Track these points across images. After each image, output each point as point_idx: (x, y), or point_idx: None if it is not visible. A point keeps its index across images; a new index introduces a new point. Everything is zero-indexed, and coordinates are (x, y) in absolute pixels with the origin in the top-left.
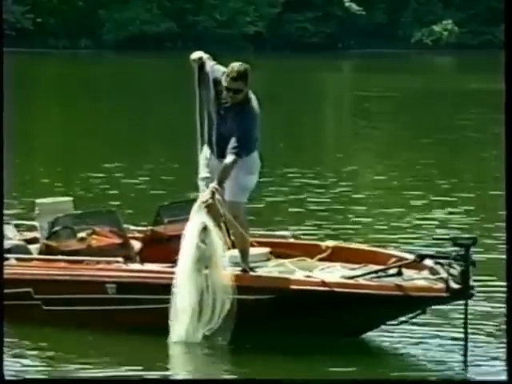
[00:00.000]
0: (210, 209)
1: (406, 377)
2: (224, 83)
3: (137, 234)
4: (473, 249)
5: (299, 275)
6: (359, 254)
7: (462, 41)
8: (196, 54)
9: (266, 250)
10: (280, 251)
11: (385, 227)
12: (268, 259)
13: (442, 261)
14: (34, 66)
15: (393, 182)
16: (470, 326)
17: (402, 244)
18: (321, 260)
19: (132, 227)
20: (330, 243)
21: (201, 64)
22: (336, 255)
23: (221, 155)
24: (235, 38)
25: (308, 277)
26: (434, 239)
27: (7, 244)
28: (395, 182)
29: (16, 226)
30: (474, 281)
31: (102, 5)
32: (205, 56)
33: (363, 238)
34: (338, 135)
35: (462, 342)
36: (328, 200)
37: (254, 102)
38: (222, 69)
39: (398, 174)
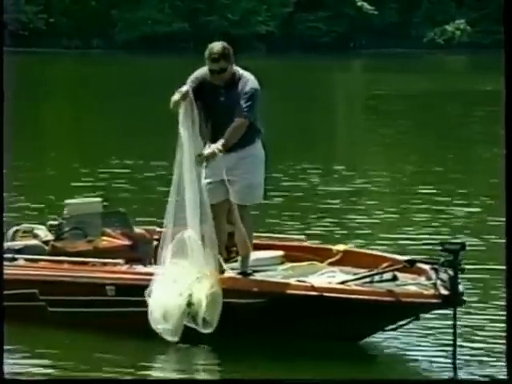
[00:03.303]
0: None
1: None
2: (208, 66)
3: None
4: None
5: (291, 279)
6: (369, 258)
7: (474, 40)
8: (178, 95)
9: (280, 253)
10: (293, 255)
11: (395, 228)
12: (282, 263)
13: (436, 266)
14: (46, 66)
15: (404, 182)
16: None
17: (412, 247)
18: (331, 264)
19: (158, 229)
20: (341, 247)
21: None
22: (346, 259)
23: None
24: (247, 37)
25: (300, 281)
26: (424, 244)
27: (18, 245)
28: (406, 182)
29: (51, 226)
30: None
31: (114, 5)
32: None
33: (373, 240)
34: (349, 135)
35: (451, 348)
36: (337, 200)
37: (249, 78)
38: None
39: (409, 174)
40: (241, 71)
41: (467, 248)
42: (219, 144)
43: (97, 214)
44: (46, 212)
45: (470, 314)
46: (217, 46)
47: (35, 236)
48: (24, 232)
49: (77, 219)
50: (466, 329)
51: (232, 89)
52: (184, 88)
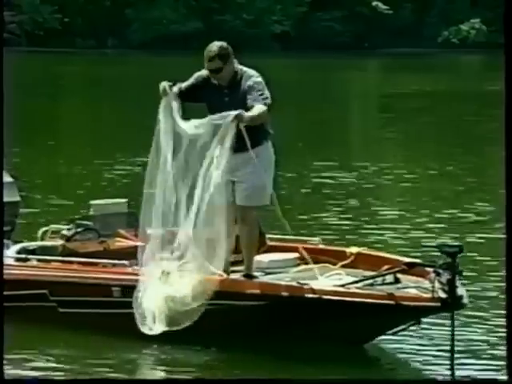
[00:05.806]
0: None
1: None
2: (205, 66)
3: None
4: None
5: (293, 282)
6: (381, 260)
7: (489, 40)
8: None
9: (294, 255)
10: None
11: (410, 227)
12: (297, 265)
13: (438, 269)
14: (61, 66)
15: (419, 180)
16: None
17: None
18: (344, 266)
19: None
20: (354, 249)
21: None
22: (358, 262)
23: (235, 148)
24: (262, 37)
25: (300, 284)
26: (422, 246)
27: (32, 245)
28: (421, 180)
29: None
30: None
31: (129, 4)
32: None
33: (388, 239)
34: (363, 133)
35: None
36: (353, 198)
37: (251, 74)
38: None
39: (424, 172)
40: (244, 68)
41: (483, 248)
42: (248, 114)
43: (111, 215)
44: (73, 212)
45: (472, 315)
46: (213, 45)
47: (63, 236)
48: (53, 232)
49: (92, 220)
50: (468, 330)
51: (236, 88)
52: (163, 83)
